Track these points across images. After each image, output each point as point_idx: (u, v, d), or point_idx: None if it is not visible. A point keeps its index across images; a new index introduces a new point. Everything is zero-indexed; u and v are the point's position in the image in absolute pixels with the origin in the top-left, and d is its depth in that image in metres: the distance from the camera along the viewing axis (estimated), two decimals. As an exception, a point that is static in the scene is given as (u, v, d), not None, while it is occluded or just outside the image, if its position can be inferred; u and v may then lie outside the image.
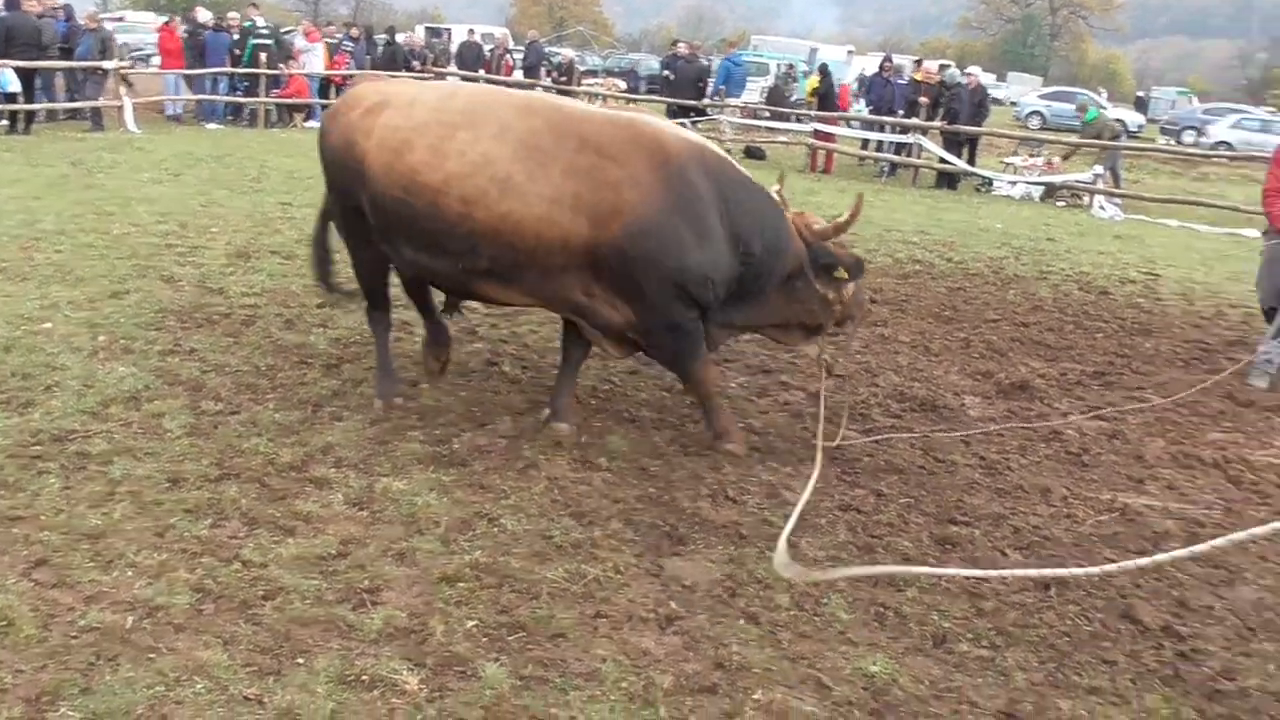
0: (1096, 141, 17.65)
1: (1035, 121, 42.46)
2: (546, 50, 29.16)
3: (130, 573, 3.68)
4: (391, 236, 4.96)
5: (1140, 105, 52.80)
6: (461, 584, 3.77)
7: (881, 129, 19.86)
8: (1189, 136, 38.73)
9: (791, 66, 33.79)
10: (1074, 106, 40.76)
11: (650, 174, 4.70)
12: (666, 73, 22.58)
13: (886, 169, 19.52)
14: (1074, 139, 19.26)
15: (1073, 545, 4.51)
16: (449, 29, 35.11)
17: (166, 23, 21.08)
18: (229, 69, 19.23)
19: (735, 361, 6.80)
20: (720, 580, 3.94)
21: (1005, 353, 7.56)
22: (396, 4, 72.75)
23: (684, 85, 21.41)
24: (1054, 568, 4.04)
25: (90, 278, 7.45)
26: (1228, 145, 33.09)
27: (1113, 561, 4.34)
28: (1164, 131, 41.82)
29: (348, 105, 5.10)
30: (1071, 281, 10.40)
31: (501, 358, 6.47)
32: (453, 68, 24.30)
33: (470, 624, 3.52)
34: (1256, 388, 7.08)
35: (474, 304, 7.57)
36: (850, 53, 50.93)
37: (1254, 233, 15.30)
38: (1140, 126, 40.03)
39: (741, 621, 3.66)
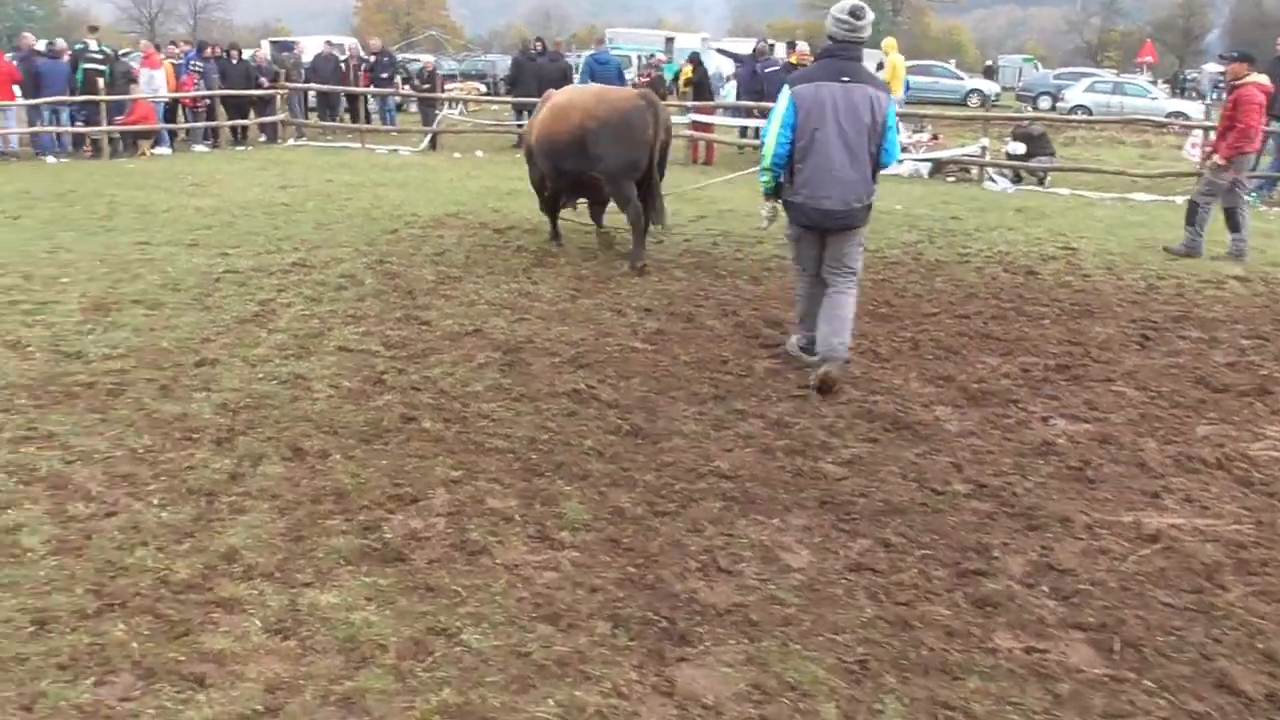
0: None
1: (897, 96, 42.75)
2: (400, 58, 27.98)
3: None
4: None
5: (989, 74, 53.84)
6: (431, 736, 2.98)
7: (750, 115, 19.42)
8: (1045, 103, 39.53)
9: (653, 56, 33.22)
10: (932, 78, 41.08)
11: None
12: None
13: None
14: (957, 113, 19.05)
15: (1120, 590, 3.92)
16: (297, 42, 33.43)
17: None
18: (69, 98, 17.73)
19: (680, 390, 6.09)
20: (745, 693, 3.22)
21: (958, 351, 7.02)
22: (236, 19, 70.04)
23: (550, 84, 20.53)
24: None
25: (-84, 353, 6.38)
26: (1085, 109, 33.79)
27: (1171, 607, 3.79)
28: (1020, 98, 42.58)
29: None
30: (995, 263, 9.98)
31: (419, 410, 5.63)
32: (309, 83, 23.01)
33: (454, 798, 2.74)
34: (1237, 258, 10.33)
35: (374, 346, 6.78)
36: (704, 40, 50.75)
37: (1143, 196, 15.30)
38: (997, 95, 40.58)
39: (790, 751, 2.96)
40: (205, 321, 7.29)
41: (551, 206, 10.62)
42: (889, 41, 20.21)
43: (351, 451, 5.06)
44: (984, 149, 16.89)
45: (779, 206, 6.50)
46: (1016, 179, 16.54)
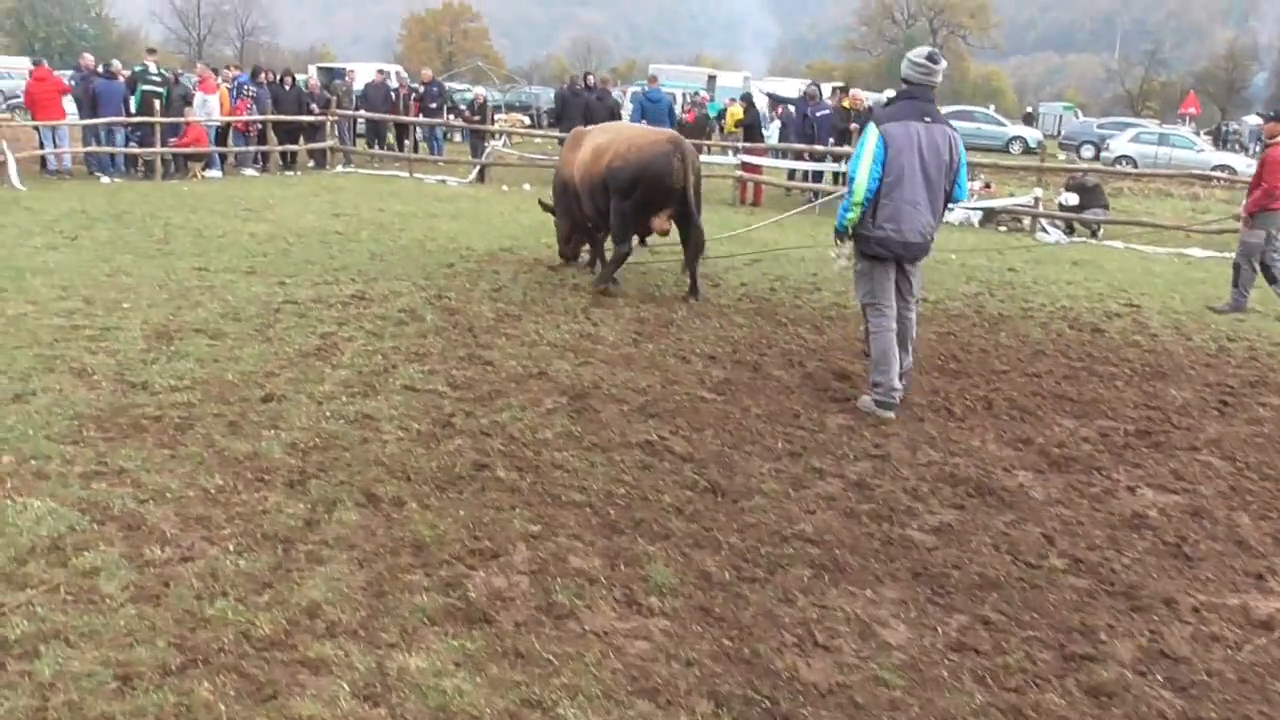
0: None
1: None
2: (449, 88, 28.11)
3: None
4: None
5: (1028, 120, 53.63)
6: (535, 822, 2.84)
7: (800, 158, 19.38)
8: (1088, 151, 39.30)
9: (697, 94, 33.25)
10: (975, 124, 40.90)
11: None
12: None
13: (813, 198, 18.95)
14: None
15: (1239, 682, 3.74)
16: (348, 68, 33.64)
17: (37, 66, 19.51)
18: (124, 119, 17.90)
19: (754, 445, 5.96)
20: (863, 785, 3.08)
21: (1033, 411, 6.86)
22: (281, 43, 70.86)
23: (599, 120, 20.57)
24: None
25: (-18, 379, 6.34)
26: (1130, 159, 33.52)
27: (1296, 702, 3.60)
28: (1063, 147, 42.34)
29: None
30: (1059, 319, 9.81)
31: (491, 457, 5.52)
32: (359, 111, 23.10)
33: None
34: None
35: (440, 386, 6.68)
36: (747, 79, 50.87)
37: (1199, 252, 15.08)
38: (1040, 143, 40.28)
39: None
40: (268, 354, 7.22)
41: (594, 244, 11.00)
42: None
43: (427, 500, 4.95)
44: (1037, 199, 16.72)
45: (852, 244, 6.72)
46: (1069, 230, 16.37)
